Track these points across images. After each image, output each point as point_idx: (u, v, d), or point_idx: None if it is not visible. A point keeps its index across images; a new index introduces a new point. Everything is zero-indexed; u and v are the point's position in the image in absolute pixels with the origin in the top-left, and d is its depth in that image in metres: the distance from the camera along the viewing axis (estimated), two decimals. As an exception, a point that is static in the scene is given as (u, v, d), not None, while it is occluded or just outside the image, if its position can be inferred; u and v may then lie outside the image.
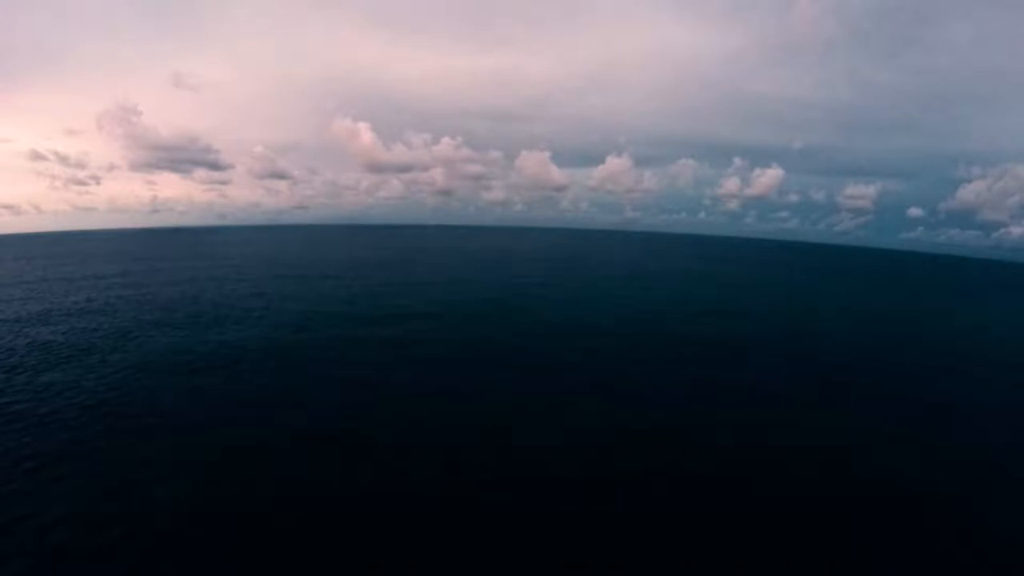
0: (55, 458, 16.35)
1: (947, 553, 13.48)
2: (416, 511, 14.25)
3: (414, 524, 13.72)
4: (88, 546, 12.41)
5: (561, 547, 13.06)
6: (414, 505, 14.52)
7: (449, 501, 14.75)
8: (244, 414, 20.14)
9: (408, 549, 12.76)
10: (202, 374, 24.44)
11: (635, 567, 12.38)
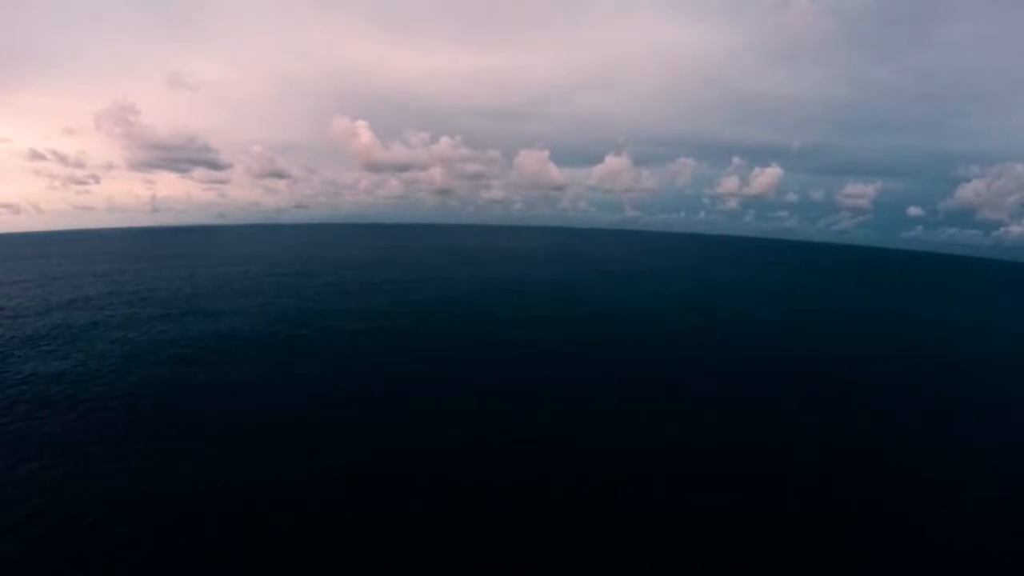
0: (52, 445, 16.63)
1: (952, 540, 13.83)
2: (413, 494, 14.60)
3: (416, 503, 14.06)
4: (81, 529, 12.68)
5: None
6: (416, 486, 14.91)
7: (441, 478, 15.14)
8: (240, 403, 20.39)
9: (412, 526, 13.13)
10: (200, 366, 24.69)
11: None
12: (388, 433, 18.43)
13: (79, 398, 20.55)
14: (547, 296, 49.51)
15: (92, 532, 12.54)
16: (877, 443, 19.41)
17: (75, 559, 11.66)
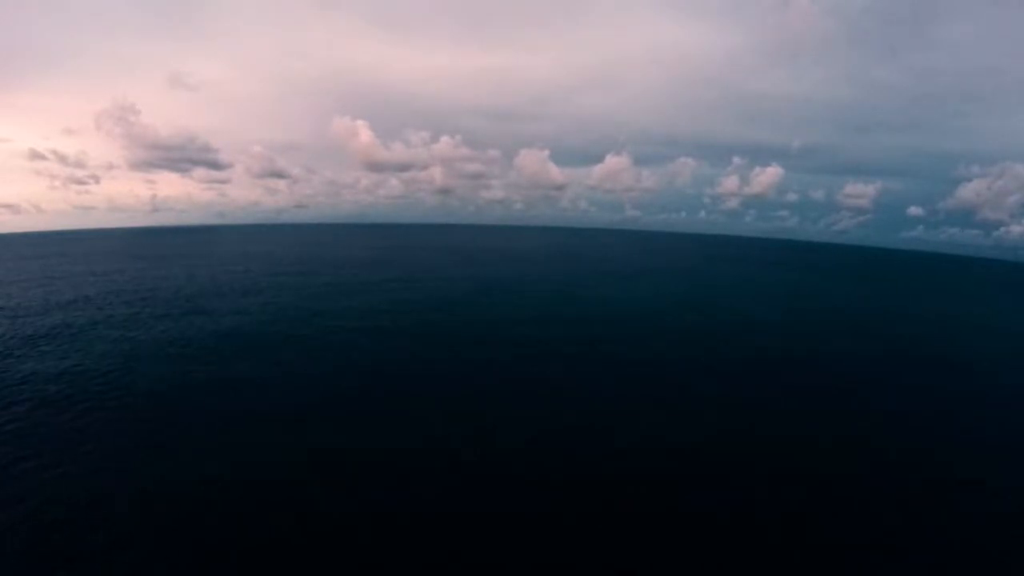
0: (51, 444, 16.62)
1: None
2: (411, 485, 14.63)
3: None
4: (81, 528, 12.67)
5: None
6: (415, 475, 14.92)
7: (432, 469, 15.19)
8: (240, 403, 20.39)
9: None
10: (200, 365, 24.65)
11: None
12: (388, 433, 18.42)
13: (78, 397, 20.54)
14: (547, 296, 49.48)
15: (92, 531, 12.53)
16: (878, 442, 19.40)
17: (75, 558, 11.66)
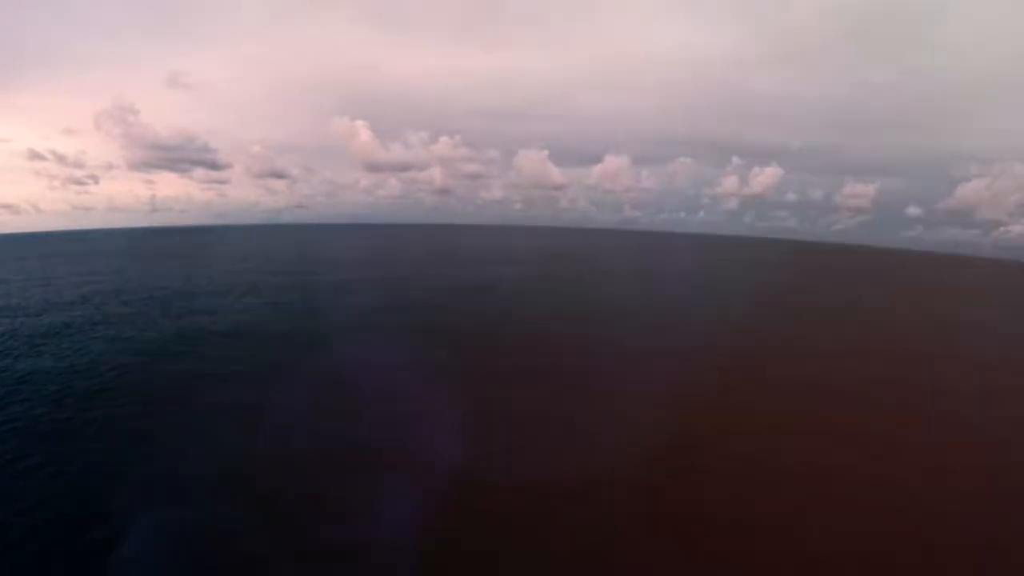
0: (50, 443, 16.61)
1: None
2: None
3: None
4: (81, 521, 12.65)
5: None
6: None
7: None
8: (239, 402, 20.32)
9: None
10: (199, 364, 24.66)
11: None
12: (387, 432, 18.42)
13: (77, 397, 20.53)
14: (547, 296, 49.55)
15: (91, 530, 12.51)
16: (878, 442, 19.39)
17: (75, 558, 11.65)
